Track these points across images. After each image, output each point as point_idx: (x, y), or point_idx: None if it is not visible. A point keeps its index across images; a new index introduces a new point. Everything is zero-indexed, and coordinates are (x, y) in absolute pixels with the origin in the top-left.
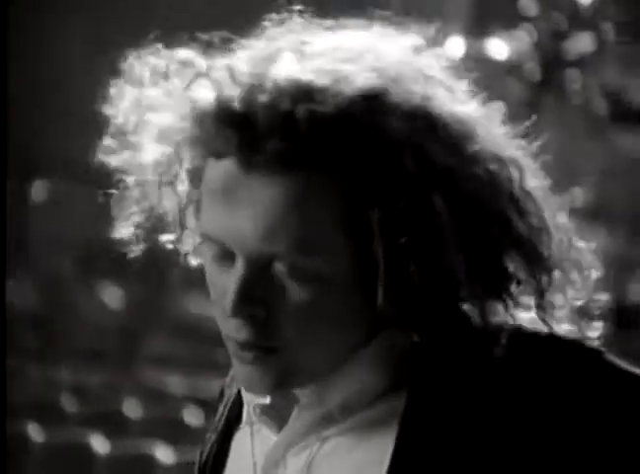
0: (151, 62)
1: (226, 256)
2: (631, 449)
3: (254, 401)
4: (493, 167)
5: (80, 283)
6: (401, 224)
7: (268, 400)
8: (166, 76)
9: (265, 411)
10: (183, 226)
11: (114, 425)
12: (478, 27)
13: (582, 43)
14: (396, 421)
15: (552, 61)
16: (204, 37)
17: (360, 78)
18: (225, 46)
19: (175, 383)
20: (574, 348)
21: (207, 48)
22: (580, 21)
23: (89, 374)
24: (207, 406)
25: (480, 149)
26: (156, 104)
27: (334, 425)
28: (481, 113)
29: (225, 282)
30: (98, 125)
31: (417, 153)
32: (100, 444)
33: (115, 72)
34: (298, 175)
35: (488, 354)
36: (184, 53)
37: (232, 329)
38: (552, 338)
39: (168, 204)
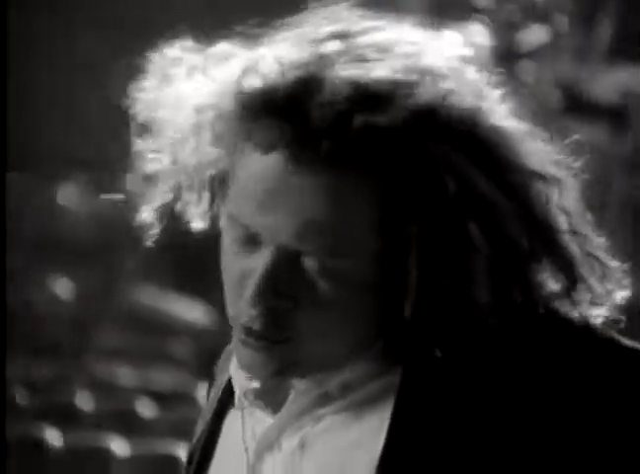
0: (185, 57)
1: (251, 240)
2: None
3: (246, 386)
4: (534, 187)
5: (31, 275)
6: (436, 243)
7: (258, 384)
8: (204, 70)
9: (259, 395)
10: (201, 194)
11: (66, 417)
12: (432, 18)
13: (536, 35)
14: (392, 396)
15: (506, 53)
16: (240, 28)
17: (419, 92)
18: (262, 36)
19: (127, 375)
20: (568, 324)
21: (244, 40)
22: (534, 12)
23: (40, 367)
24: (160, 398)
25: (522, 170)
26: (193, 99)
27: (330, 403)
28: (524, 127)
29: (246, 267)
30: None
31: (460, 179)
32: (53, 437)
33: (127, 71)
34: (342, 176)
35: (485, 327)
36: (222, 46)
37: (245, 315)
38: (552, 314)
39: (192, 175)
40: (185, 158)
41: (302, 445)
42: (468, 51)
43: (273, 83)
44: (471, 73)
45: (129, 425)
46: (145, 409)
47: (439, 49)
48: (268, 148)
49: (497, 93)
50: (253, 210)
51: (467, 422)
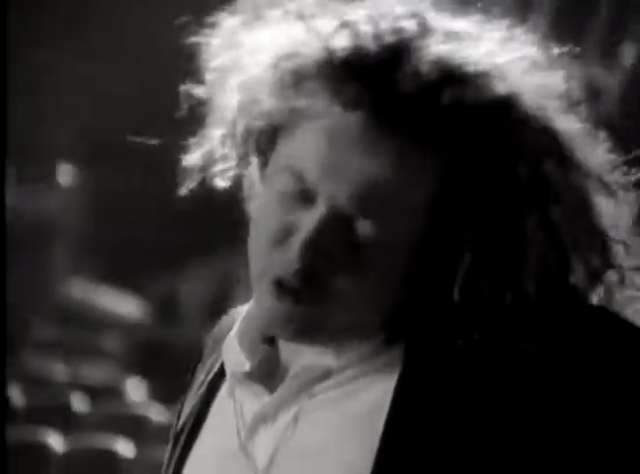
0: (282, 2)
1: (303, 196)
2: None
3: (237, 369)
4: (591, 190)
5: None
6: (493, 230)
7: (249, 367)
8: (300, 18)
9: (251, 377)
10: (242, 146)
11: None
12: None
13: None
14: (392, 371)
15: None
16: None
17: (502, 83)
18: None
19: (59, 370)
20: (584, 309)
21: None
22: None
23: None
24: (93, 392)
25: (583, 172)
26: (280, 44)
27: (330, 379)
28: (587, 132)
29: (290, 222)
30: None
31: (532, 169)
32: None
33: None
34: (414, 147)
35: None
36: None
37: (281, 269)
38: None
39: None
40: (251, 102)
41: (296, 419)
42: (538, 54)
43: (365, 44)
44: (543, 75)
45: (65, 420)
46: (79, 404)
47: (512, 48)
48: (348, 106)
49: (564, 95)
50: (317, 165)
51: (473, 400)
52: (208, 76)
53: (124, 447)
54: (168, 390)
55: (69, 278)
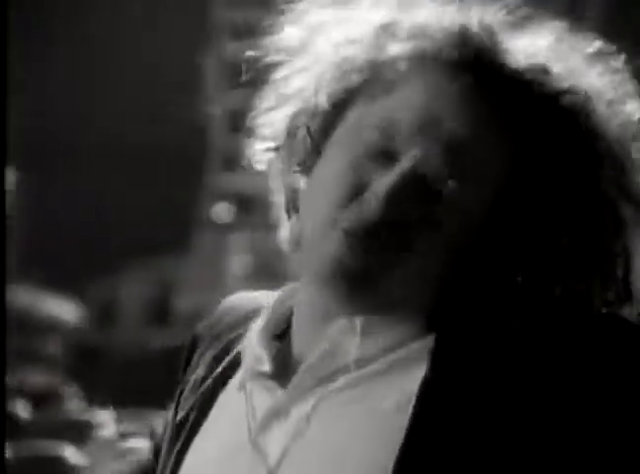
0: None
1: (383, 154)
2: None
3: (256, 367)
4: None
5: None
6: (558, 230)
7: (267, 367)
8: None
9: (268, 376)
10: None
11: None
12: None
13: None
14: (418, 367)
15: None
16: None
17: (589, 90)
18: None
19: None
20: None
21: None
22: None
23: None
24: (35, 398)
25: None
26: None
27: (345, 375)
28: None
29: (365, 178)
30: None
31: (613, 176)
32: None
33: None
34: (504, 128)
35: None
36: None
37: (353, 220)
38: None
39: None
40: (353, 57)
41: (311, 414)
42: (618, 76)
43: (474, 28)
44: (616, 96)
45: (8, 427)
46: (20, 411)
47: (598, 63)
48: (453, 74)
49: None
50: (413, 121)
51: (502, 398)
52: (301, 35)
53: (70, 453)
54: (108, 395)
55: (11, 284)
